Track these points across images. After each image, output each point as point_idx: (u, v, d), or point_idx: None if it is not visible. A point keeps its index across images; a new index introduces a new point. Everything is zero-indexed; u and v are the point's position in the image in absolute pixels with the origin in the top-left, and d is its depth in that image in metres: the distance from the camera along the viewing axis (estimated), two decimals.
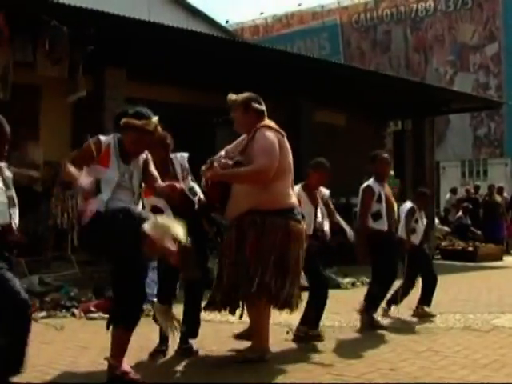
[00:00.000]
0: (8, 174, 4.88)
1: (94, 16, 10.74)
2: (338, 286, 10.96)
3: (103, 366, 5.58)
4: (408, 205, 8.69)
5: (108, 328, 5.20)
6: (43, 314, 8.35)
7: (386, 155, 8.25)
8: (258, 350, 5.94)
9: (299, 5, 32.61)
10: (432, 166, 19.33)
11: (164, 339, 6.19)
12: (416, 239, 8.53)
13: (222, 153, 6.31)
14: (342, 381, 5.38)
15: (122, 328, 5.12)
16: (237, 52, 13.13)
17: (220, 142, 14.12)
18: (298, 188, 6.97)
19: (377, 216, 7.71)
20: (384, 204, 7.74)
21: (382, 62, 30.53)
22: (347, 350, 6.52)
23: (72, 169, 5.00)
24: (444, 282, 8.72)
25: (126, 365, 5.16)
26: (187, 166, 6.36)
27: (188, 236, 4.88)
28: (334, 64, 16.82)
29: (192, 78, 13.36)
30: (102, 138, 5.20)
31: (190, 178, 6.39)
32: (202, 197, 6.28)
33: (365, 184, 7.95)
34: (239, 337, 6.55)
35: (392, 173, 18.85)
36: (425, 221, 8.82)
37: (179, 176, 6.20)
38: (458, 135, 28.93)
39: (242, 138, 6.32)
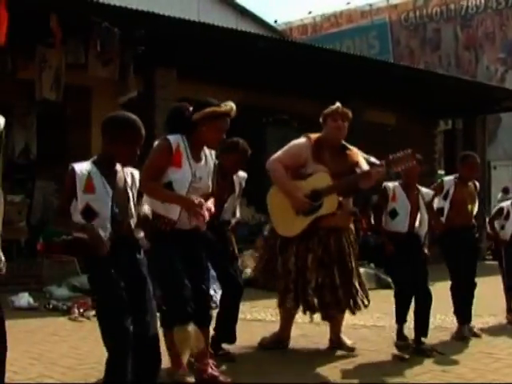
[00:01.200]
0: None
1: (144, 17, 10.84)
2: (389, 286, 10.86)
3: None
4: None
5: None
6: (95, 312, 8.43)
7: (475, 159, 7.74)
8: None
9: (348, 3, 32.43)
10: (483, 166, 19.09)
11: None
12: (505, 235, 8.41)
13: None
14: (394, 381, 5.36)
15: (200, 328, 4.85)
16: (286, 51, 13.11)
17: (270, 142, 14.23)
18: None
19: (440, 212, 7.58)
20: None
21: (432, 61, 30.20)
22: (395, 350, 6.47)
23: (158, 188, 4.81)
24: (499, 283, 8.59)
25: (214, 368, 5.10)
26: (243, 186, 6.34)
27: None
28: (383, 63, 16.69)
29: (241, 78, 13.39)
30: (171, 137, 4.90)
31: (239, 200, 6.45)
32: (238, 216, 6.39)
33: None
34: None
35: (442, 172, 18.72)
36: None
37: (236, 194, 6.22)
38: (510, 134, 28.47)
39: (305, 146, 6.22)
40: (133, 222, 4.17)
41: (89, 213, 3.99)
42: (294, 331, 6.66)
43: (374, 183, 6.05)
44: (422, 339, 6.46)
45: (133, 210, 4.17)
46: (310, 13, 32.89)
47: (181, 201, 4.75)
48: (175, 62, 11.90)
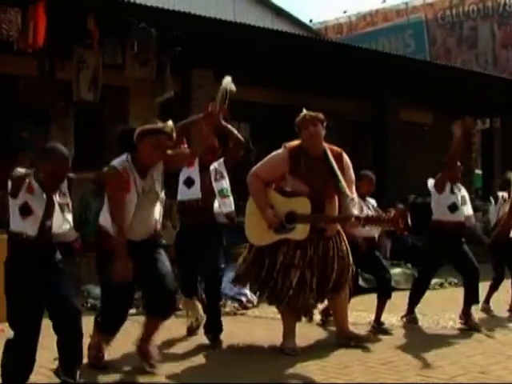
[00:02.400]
0: None
1: (180, 17, 10.89)
2: None
3: (191, 363, 5.69)
4: None
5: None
6: (133, 311, 8.46)
7: None
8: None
9: (383, 2, 32.25)
10: None
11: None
12: None
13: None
14: (431, 381, 5.32)
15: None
16: (321, 51, 13.09)
17: None
18: None
19: None
20: None
21: (469, 59, 29.93)
22: (436, 351, 6.42)
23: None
24: None
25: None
26: (222, 169, 6.73)
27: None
28: (419, 61, 16.58)
29: (277, 78, 13.39)
30: (117, 165, 5.20)
31: (223, 181, 6.72)
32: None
33: None
34: None
35: (480, 171, 18.57)
36: None
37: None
38: None
39: (282, 159, 6.28)
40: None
41: (26, 209, 4.50)
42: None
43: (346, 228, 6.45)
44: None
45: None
46: (345, 12, 32.74)
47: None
48: (212, 62, 11.93)
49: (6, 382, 4.56)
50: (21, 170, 4.55)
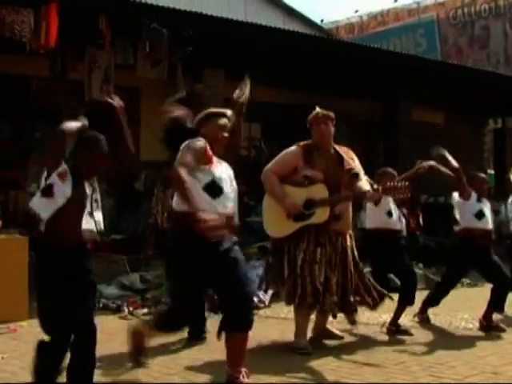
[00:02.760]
0: None
1: (192, 18, 10.90)
2: None
3: (204, 364, 5.70)
4: None
5: (219, 337, 5.11)
6: (144, 310, 8.52)
7: None
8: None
9: (394, 1, 32.18)
10: None
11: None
12: None
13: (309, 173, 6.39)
14: (444, 382, 5.32)
15: (239, 334, 4.97)
16: (333, 51, 13.09)
17: None
18: None
19: None
20: None
21: (480, 59, 29.83)
22: (448, 351, 6.41)
23: (184, 173, 4.95)
24: None
25: (245, 377, 4.96)
26: None
27: None
28: (431, 61, 16.54)
29: (289, 78, 13.39)
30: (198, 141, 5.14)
31: None
32: None
33: None
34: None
35: (492, 171, 18.52)
36: None
37: None
38: None
39: (295, 153, 6.47)
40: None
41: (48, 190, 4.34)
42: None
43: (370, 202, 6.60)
44: None
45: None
46: (356, 12, 32.69)
47: None
48: (223, 62, 11.94)
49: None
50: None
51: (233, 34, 11.40)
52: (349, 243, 6.50)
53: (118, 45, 10.67)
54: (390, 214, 7.36)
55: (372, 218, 7.52)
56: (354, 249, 6.57)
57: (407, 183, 6.29)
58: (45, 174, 4.42)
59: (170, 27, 10.39)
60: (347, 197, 6.45)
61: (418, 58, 16.71)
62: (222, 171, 5.16)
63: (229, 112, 5.33)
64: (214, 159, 5.13)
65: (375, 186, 6.61)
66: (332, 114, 6.51)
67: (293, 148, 6.54)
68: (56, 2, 9.41)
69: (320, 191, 6.31)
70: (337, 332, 6.88)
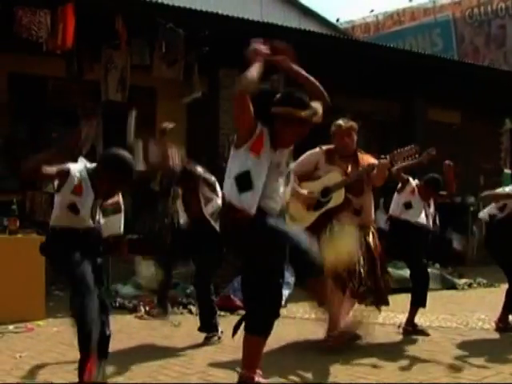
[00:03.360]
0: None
1: (208, 18, 10.91)
2: (454, 287, 10.77)
3: (221, 364, 5.71)
4: None
5: (234, 335, 5.01)
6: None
7: None
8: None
9: (410, 1, 32.09)
10: None
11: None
12: None
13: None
14: (461, 382, 5.29)
15: (258, 337, 4.79)
16: (349, 50, 13.06)
17: None
18: None
19: None
20: None
21: (497, 58, 29.68)
22: (465, 352, 6.39)
23: None
24: None
25: (261, 377, 4.80)
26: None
27: None
28: (448, 60, 16.47)
29: None
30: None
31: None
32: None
33: None
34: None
35: (509, 171, 18.43)
36: None
37: None
38: None
39: (317, 153, 6.61)
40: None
41: (74, 208, 4.62)
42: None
43: (382, 175, 6.45)
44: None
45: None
46: (372, 11, 32.61)
47: None
48: (239, 62, 11.91)
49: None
50: (67, 166, 4.65)
51: (249, 33, 11.36)
52: (371, 239, 6.51)
53: (134, 45, 10.69)
54: (408, 205, 7.31)
55: (392, 206, 7.52)
56: (378, 245, 6.56)
57: (413, 146, 6.40)
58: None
59: (185, 27, 10.41)
60: (358, 173, 6.48)
61: (434, 57, 16.62)
62: None
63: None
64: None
65: (382, 156, 6.63)
66: (355, 125, 6.59)
67: (316, 150, 6.64)
68: (72, 3, 9.45)
69: (335, 178, 6.44)
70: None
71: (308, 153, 6.65)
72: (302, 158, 6.59)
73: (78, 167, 4.71)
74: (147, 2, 10.46)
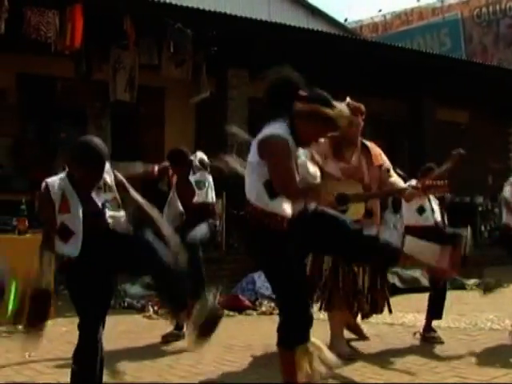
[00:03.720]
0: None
1: (216, 18, 10.92)
2: (462, 287, 10.73)
3: (229, 364, 5.70)
4: None
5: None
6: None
7: None
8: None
9: (418, 0, 32.04)
10: None
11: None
12: None
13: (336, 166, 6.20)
14: (471, 382, 5.28)
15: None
16: (357, 50, 13.05)
17: None
18: None
19: None
20: None
21: (506, 57, 29.60)
22: (474, 352, 6.37)
23: None
24: None
25: None
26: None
27: None
28: (456, 60, 16.45)
29: (313, 77, 13.33)
30: (283, 134, 4.28)
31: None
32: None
33: None
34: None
35: None
36: None
37: None
38: None
39: (323, 142, 6.04)
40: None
41: (65, 232, 4.16)
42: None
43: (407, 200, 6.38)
44: None
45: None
46: (380, 11, 32.60)
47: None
48: (247, 62, 11.95)
49: None
50: (52, 188, 4.24)
51: (257, 33, 11.41)
52: None
53: (143, 45, 10.71)
54: (421, 210, 7.17)
55: (405, 215, 7.34)
56: None
57: (447, 181, 6.15)
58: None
59: (194, 27, 10.42)
60: (385, 192, 6.34)
61: (443, 57, 16.61)
62: None
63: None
64: None
65: (413, 183, 6.41)
66: (363, 107, 6.34)
67: (321, 140, 6.32)
68: (81, 3, 9.47)
69: (354, 187, 6.09)
70: (364, 331, 6.86)
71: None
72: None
73: (54, 178, 4.32)
74: (155, 2, 10.48)
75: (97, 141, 4.23)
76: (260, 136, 4.32)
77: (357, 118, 6.23)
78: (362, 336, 6.79)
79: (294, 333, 4.34)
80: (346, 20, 29.72)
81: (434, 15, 31.68)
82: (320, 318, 7.36)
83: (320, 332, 6.62)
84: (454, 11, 31.21)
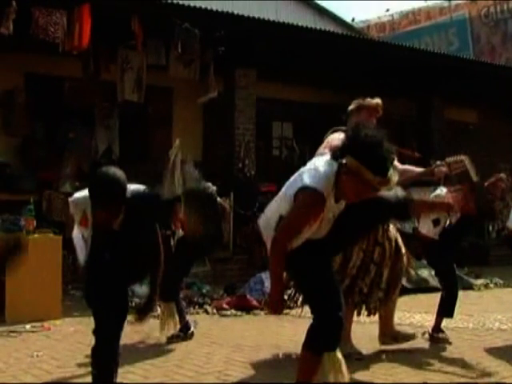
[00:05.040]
0: None
1: (223, 18, 10.92)
2: (470, 287, 10.71)
3: (237, 364, 5.70)
4: None
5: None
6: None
7: None
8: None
9: (425, 0, 31.99)
10: None
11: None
12: None
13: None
14: (480, 382, 5.27)
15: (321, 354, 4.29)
16: (364, 50, 13.04)
17: None
18: None
19: None
20: None
21: None
22: (482, 352, 6.36)
23: None
24: None
25: None
26: None
27: None
28: (464, 60, 16.40)
29: (321, 77, 13.36)
30: (321, 188, 4.06)
31: None
32: None
33: None
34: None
35: None
36: None
37: None
38: None
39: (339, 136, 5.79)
40: None
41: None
42: None
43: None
44: None
45: None
46: (387, 10, 32.56)
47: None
48: (255, 61, 11.95)
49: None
50: (73, 204, 4.28)
51: (264, 33, 11.40)
52: (399, 240, 6.23)
53: (151, 45, 10.72)
54: (436, 222, 6.97)
55: (423, 228, 7.15)
56: (402, 247, 6.26)
57: (462, 157, 6.13)
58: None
59: (201, 27, 10.42)
60: (418, 173, 6.34)
61: (451, 56, 16.55)
62: None
63: None
64: None
65: (438, 162, 6.36)
66: (381, 104, 6.30)
67: (340, 135, 5.80)
68: (89, 3, 9.48)
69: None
70: (405, 332, 6.63)
71: (333, 137, 5.99)
72: (325, 142, 6.05)
73: (79, 196, 4.26)
74: (163, 2, 10.49)
75: (114, 171, 3.93)
76: (305, 178, 4.13)
77: (371, 118, 6.33)
78: (408, 337, 6.56)
79: (325, 339, 4.26)
80: (353, 20, 29.69)
81: (442, 15, 31.62)
82: None
83: None
84: (462, 11, 31.16)
